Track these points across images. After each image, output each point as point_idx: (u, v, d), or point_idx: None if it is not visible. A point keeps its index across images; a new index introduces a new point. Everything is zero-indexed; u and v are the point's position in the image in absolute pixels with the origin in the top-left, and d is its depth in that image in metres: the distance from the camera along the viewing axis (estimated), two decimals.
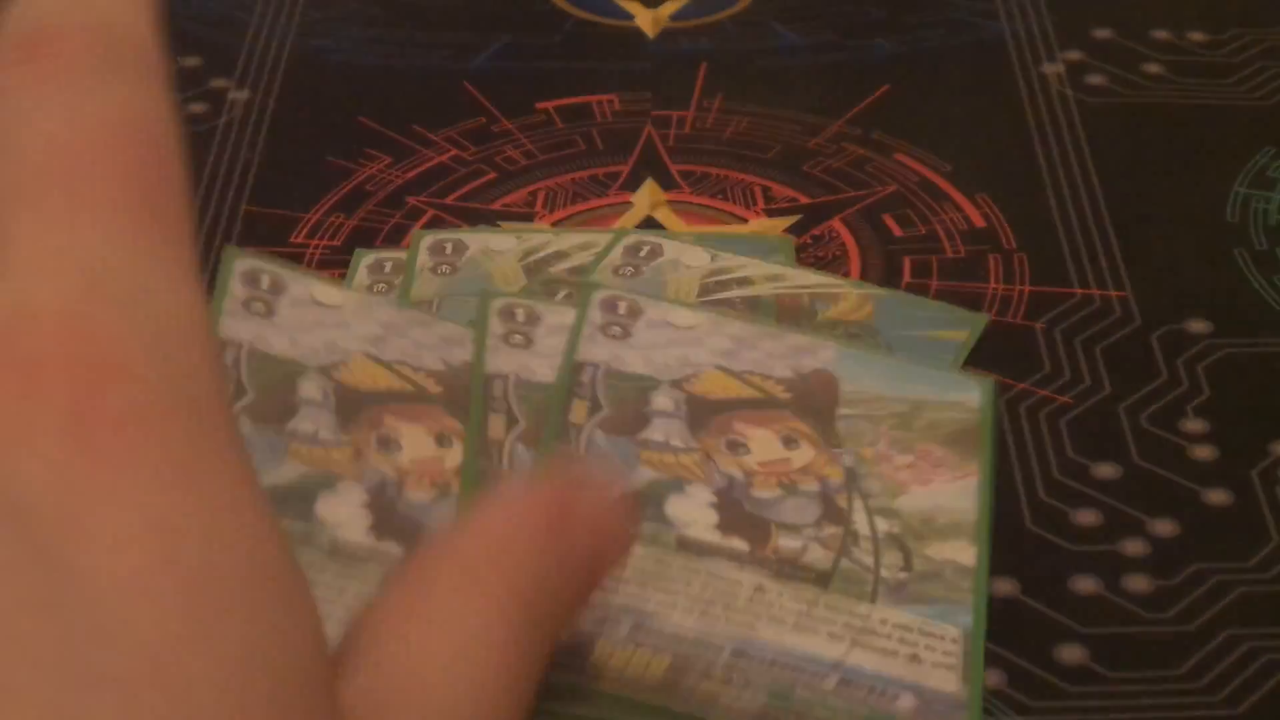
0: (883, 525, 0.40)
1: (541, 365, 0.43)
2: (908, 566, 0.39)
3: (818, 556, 0.39)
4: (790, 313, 0.48)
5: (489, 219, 0.53)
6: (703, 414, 0.42)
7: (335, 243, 0.52)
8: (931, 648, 0.38)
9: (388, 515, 0.39)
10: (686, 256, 0.50)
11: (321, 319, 0.42)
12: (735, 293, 0.48)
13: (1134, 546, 0.43)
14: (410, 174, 0.55)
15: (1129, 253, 0.51)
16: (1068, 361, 0.48)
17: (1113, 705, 0.39)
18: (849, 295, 0.49)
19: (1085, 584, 0.42)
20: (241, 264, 0.42)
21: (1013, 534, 0.43)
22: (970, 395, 0.44)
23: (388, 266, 0.50)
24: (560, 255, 0.50)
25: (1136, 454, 0.45)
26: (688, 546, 0.39)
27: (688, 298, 0.48)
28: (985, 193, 0.54)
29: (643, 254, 0.50)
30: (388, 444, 0.40)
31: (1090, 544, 0.43)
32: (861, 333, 0.47)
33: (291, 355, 0.41)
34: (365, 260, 0.51)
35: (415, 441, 0.41)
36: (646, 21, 0.62)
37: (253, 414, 0.40)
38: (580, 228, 0.52)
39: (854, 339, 0.46)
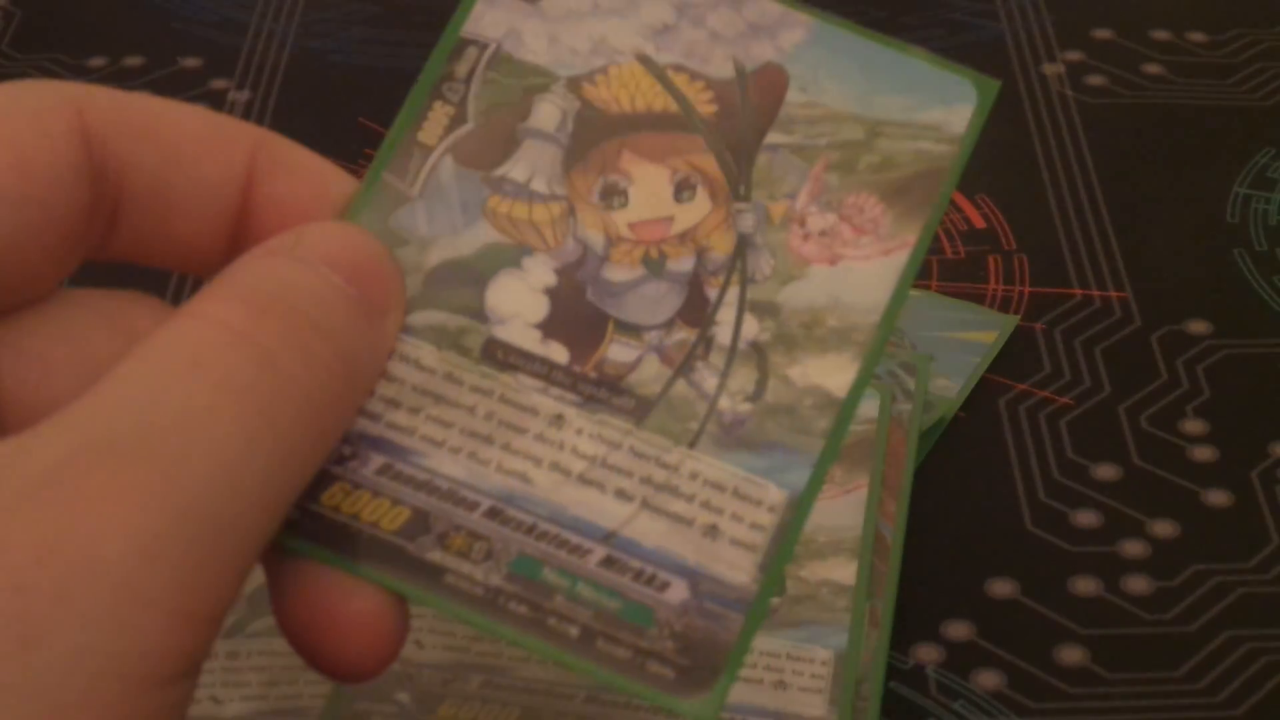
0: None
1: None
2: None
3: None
4: None
5: None
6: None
7: None
8: (799, 672, 0.37)
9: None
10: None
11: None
12: None
13: (1134, 547, 0.43)
14: None
15: (1129, 253, 0.51)
16: (1068, 362, 0.48)
17: (1113, 706, 0.39)
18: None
19: (1085, 585, 0.42)
20: None
21: (1013, 535, 0.43)
22: (866, 405, 0.42)
23: None
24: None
25: (1136, 455, 0.45)
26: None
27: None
28: (985, 193, 0.54)
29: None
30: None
31: (1090, 545, 0.43)
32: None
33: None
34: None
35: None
36: None
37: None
38: None
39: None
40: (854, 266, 0.33)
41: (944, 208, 0.33)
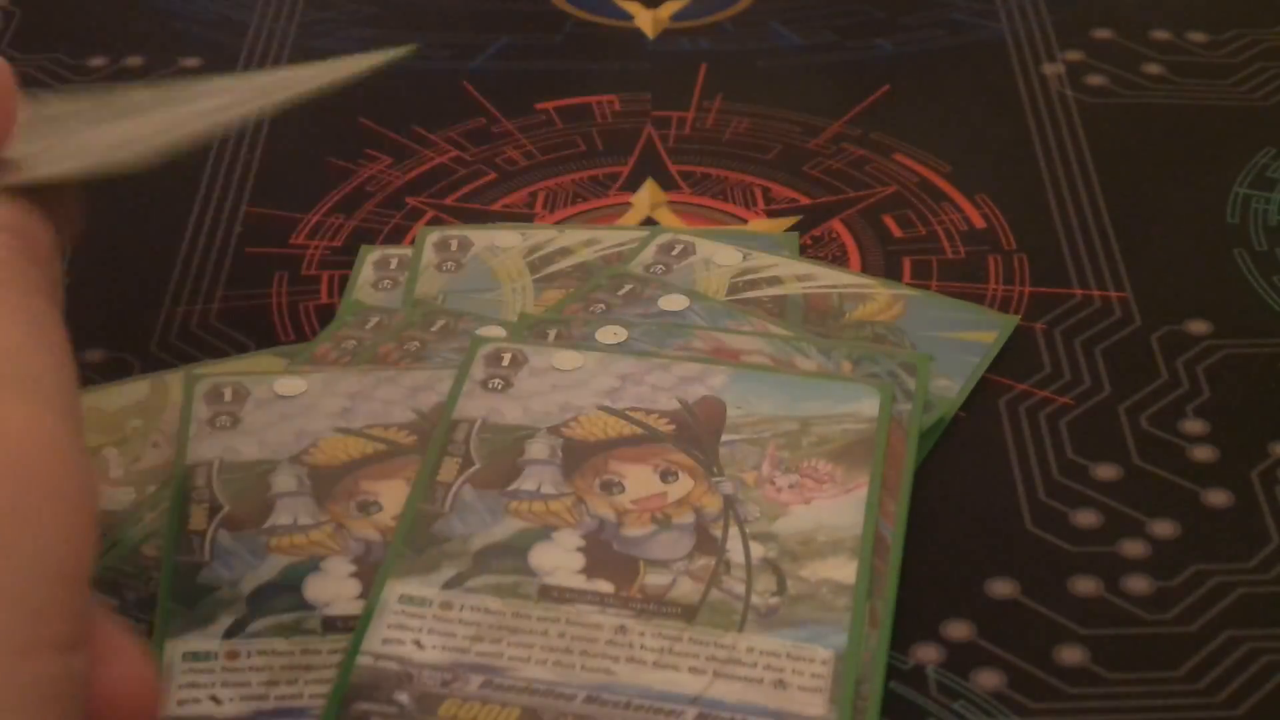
0: (758, 550, 0.40)
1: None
2: (781, 590, 0.39)
3: (686, 590, 0.39)
4: (818, 312, 0.48)
5: (489, 220, 0.53)
6: (579, 456, 0.42)
7: (336, 243, 0.52)
8: (799, 671, 0.38)
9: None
10: (719, 255, 0.50)
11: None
12: (764, 291, 0.49)
13: (1134, 547, 0.43)
14: (410, 175, 0.55)
15: (1129, 253, 0.51)
16: (1068, 362, 0.48)
17: (1113, 707, 0.39)
18: (879, 295, 0.49)
19: (1085, 585, 0.42)
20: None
21: (1013, 535, 0.43)
22: (866, 405, 0.43)
23: (393, 263, 0.50)
24: (565, 252, 0.50)
25: (1136, 454, 0.45)
26: (549, 595, 0.39)
27: (717, 296, 0.48)
28: (985, 193, 0.54)
29: (675, 252, 0.50)
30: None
31: (1090, 545, 0.43)
32: (887, 334, 0.47)
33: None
34: (371, 256, 0.51)
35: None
36: (646, 22, 0.62)
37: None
38: (586, 225, 0.52)
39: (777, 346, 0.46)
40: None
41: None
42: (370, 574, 0.40)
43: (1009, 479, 0.44)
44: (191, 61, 0.60)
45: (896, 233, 0.52)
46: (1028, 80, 0.59)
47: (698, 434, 0.43)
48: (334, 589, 0.40)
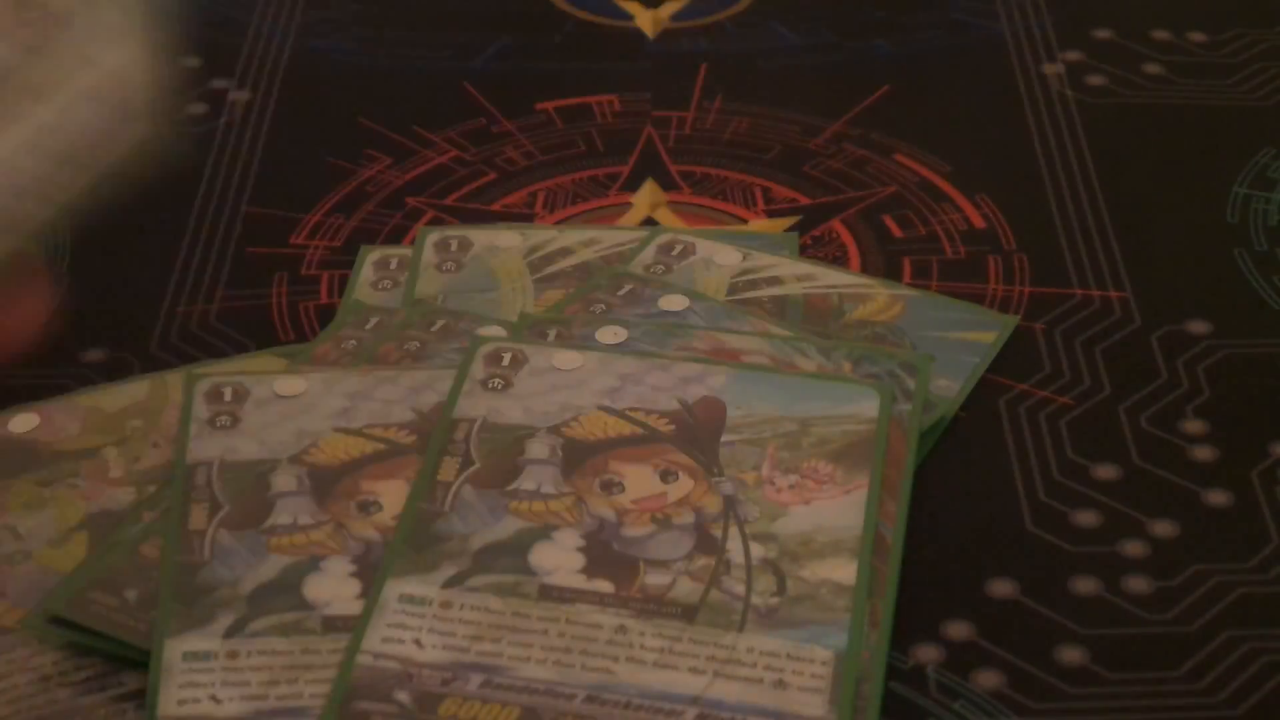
0: (758, 551, 0.40)
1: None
2: (781, 590, 0.39)
3: (686, 590, 0.39)
4: (818, 312, 0.48)
5: (489, 220, 0.53)
6: (579, 456, 0.42)
7: (336, 243, 0.52)
8: (799, 672, 0.38)
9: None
10: (719, 255, 0.50)
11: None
12: (764, 292, 0.49)
13: (1134, 548, 0.43)
14: (410, 175, 0.55)
15: (1129, 253, 0.51)
16: (1068, 362, 0.48)
17: (1113, 706, 0.39)
18: (879, 295, 0.49)
19: (1085, 585, 0.42)
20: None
21: (1013, 535, 0.43)
22: (865, 405, 0.43)
23: (393, 263, 0.50)
24: (565, 251, 0.50)
25: (1136, 454, 0.45)
26: (549, 594, 0.39)
27: (717, 295, 0.48)
28: (985, 193, 0.54)
29: (675, 252, 0.50)
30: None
31: (1090, 545, 0.43)
32: (887, 334, 0.47)
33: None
34: (371, 257, 0.51)
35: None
36: (646, 22, 0.62)
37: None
38: (585, 225, 0.52)
39: (783, 344, 0.46)
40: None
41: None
42: (370, 573, 0.40)
43: (1009, 479, 0.44)
44: (192, 62, 0.60)
45: (896, 233, 0.52)
46: (1028, 80, 0.59)
47: (698, 434, 0.43)
48: (334, 588, 0.40)
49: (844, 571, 0.40)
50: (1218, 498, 0.44)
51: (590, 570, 0.40)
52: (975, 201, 0.54)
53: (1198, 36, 0.60)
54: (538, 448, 0.43)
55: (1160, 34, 0.61)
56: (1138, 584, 0.42)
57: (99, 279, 0.51)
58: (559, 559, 0.40)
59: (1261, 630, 0.40)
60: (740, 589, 0.39)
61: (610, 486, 0.42)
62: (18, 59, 0.37)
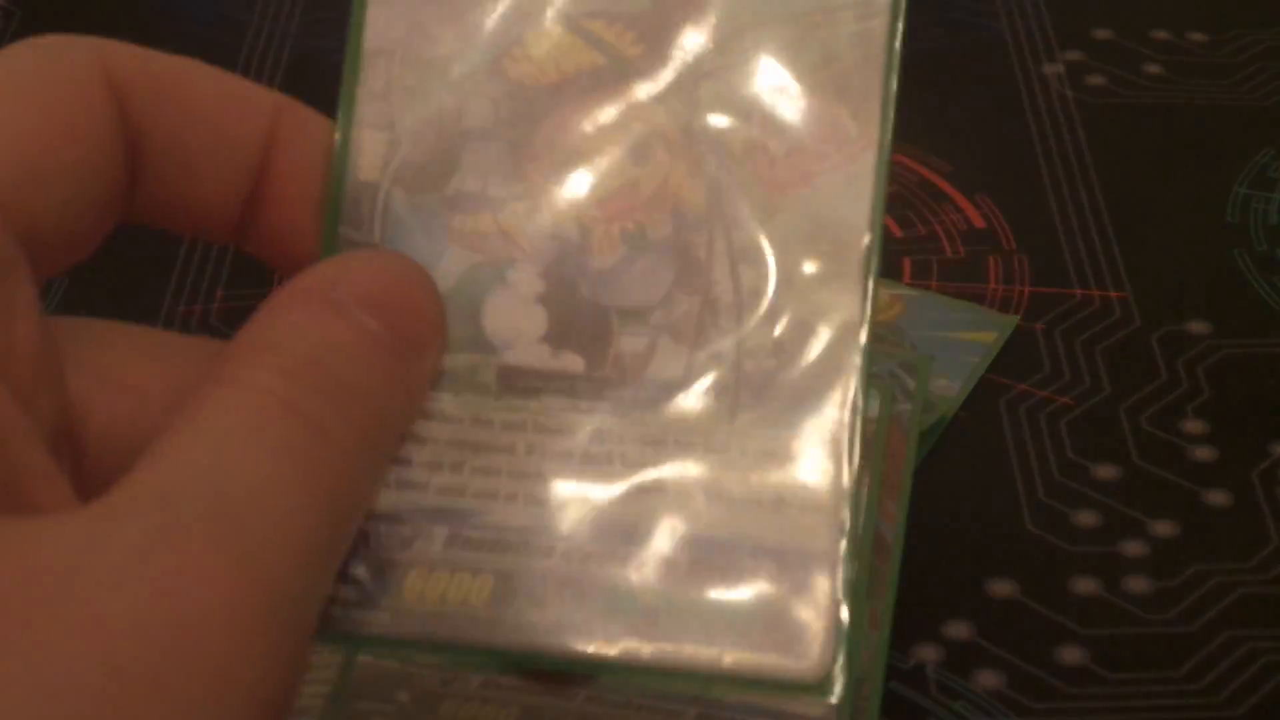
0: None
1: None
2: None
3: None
4: None
5: None
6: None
7: None
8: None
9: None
10: None
11: None
12: None
13: (1134, 547, 0.43)
14: None
15: (1129, 253, 0.51)
16: (1068, 362, 0.48)
17: (1113, 707, 0.39)
18: (879, 295, 0.49)
19: (1085, 585, 0.42)
20: None
21: (1013, 534, 0.43)
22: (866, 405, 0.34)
23: None
24: None
25: (1136, 454, 0.45)
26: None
27: None
28: (985, 193, 0.54)
29: None
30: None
31: (1090, 545, 0.43)
32: (887, 334, 0.47)
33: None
34: None
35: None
36: None
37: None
38: None
39: None
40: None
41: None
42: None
43: (1009, 479, 0.44)
44: None
45: (896, 233, 0.52)
46: (1028, 80, 0.59)
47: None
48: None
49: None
50: (1218, 498, 0.44)
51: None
52: (975, 201, 0.54)
53: (1198, 36, 0.60)
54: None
55: (1160, 34, 0.61)
56: (1138, 584, 0.42)
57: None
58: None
59: (1261, 630, 0.40)
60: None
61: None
62: None
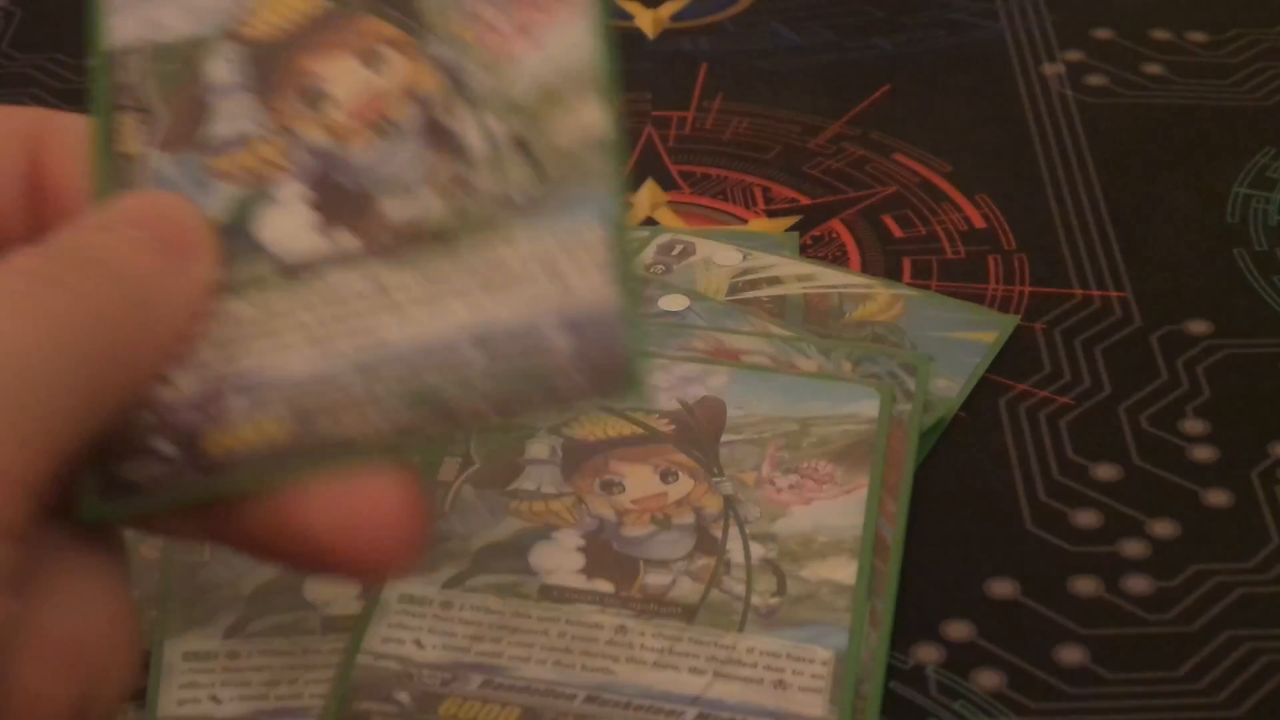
0: (758, 551, 0.40)
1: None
2: (781, 590, 0.39)
3: (686, 590, 0.39)
4: (818, 312, 0.48)
5: None
6: (579, 456, 0.42)
7: None
8: (799, 672, 0.38)
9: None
10: (718, 255, 0.50)
11: None
12: (765, 291, 0.49)
13: (1134, 547, 0.43)
14: None
15: (1129, 253, 0.51)
16: (1068, 362, 0.48)
17: (1113, 706, 0.39)
18: (879, 295, 0.49)
19: (1085, 585, 0.42)
20: None
21: (1013, 535, 0.43)
22: (866, 405, 0.44)
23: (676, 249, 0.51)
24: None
25: (1136, 454, 0.45)
26: (549, 595, 0.39)
27: (717, 296, 0.48)
28: (985, 193, 0.54)
29: (675, 252, 0.50)
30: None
31: (1090, 545, 0.43)
32: (887, 333, 0.47)
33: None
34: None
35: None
36: (646, 21, 0.62)
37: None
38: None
39: (778, 348, 0.46)
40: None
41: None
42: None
43: (1009, 479, 0.44)
44: None
45: (896, 233, 0.52)
46: (1028, 80, 0.59)
47: (698, 434, 0.43)
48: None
49: (844, 571, 0.40)
50: (1218, 498, 0.44)
51: (590, 570, 0.40)
52: (975, 201, 0.54)
53: (1198, 36, 0.60)
54: (539, 447, 0.43)
55: (1160, 34, 0.61)
56: (1138, 584, 0.42)
57: None
58: (559, 559, 0.40)
59: (1261, 630, 0.40)
60: (740, 589, 0.39)
61: (610, 487, 0.42)
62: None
